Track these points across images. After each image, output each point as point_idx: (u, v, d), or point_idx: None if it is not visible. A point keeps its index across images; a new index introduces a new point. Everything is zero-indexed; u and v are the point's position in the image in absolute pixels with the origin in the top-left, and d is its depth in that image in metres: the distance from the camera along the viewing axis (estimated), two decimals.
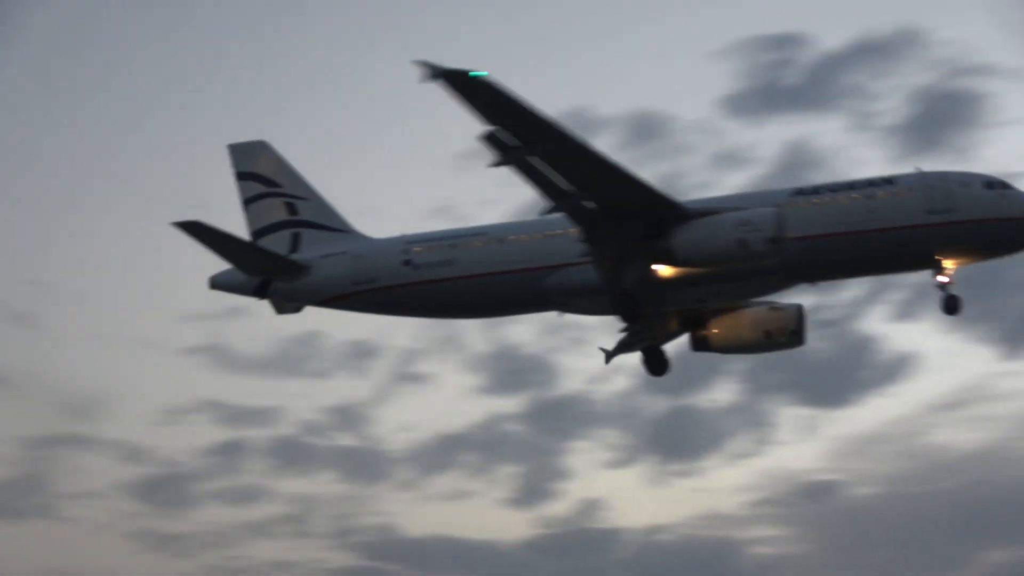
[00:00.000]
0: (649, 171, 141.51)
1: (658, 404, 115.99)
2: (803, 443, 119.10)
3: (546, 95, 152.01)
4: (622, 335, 66.01)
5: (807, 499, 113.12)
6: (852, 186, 59.96)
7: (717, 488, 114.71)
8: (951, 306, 58.53)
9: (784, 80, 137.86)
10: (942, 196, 58.07)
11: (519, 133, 51.95)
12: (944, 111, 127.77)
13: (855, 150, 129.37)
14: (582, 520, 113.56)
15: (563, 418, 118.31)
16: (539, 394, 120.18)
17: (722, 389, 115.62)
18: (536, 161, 53.82)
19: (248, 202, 70.66)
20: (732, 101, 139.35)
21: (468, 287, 64.29)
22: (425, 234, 66.98)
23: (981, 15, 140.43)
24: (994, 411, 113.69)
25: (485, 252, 64.17)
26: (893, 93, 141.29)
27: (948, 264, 58.30)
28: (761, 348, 65.18)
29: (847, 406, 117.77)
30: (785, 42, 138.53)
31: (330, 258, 67.05)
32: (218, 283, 68.50)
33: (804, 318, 64.43)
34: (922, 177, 59.16)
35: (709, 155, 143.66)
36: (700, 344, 65.92)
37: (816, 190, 60.46)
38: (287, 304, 68.20)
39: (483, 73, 48.59)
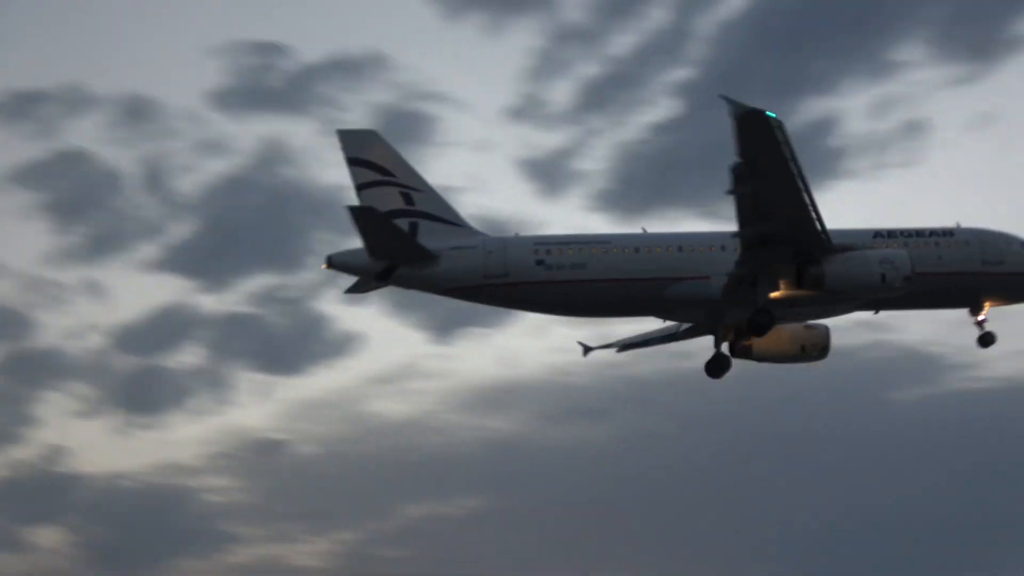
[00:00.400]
0: (136, 152, 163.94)
1: (128, 362, 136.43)
2: (258, 405, 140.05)
3: (40, 68, 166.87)
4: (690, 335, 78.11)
5: (259, 455, 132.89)
6: (919, 233, 71.51)
7: (177, 441, 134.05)
8: (987, 341, 71.87)
9: (266, 82, 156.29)
10: (994, 251, 70.82)
11: (763, 167, 58.76)
12: (401, 127, 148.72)
13: (322, 152, 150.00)
14: (47, 465, 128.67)
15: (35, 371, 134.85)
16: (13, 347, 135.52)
17: (188, 353, 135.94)
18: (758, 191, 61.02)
19: (361, 188, 73.71)
20: (218, 96, 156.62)
21: (597, 289, 71.21)
22: (555, 237, 73.72)
23: (438, 49, 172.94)
24: (422, 386, 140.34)
25: (619, 259, 71.29)
26: (359, 106, 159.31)
27: (987, 305, 71.52)
28: (794, 359, 75.01)
29: (299, 375, 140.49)
30: (270, 50, 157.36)
31: (461, 250, 71.94)
32: (336, 263, 72.34)
33: (830, 337, 74.81)
34: (976, 232, 71.68)
35: (193, 142, 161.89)
36: (743, 352, 75.84)
37: (891, 234, 71.35)
38: (374, 284, 72.93)
39: (773, 115, 56.32)
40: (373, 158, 74.31)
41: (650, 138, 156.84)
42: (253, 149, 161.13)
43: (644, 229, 73.97)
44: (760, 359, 76.01)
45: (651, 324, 78.64)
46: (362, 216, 68.22)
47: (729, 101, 56.07)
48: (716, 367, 77.53)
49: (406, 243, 71.07)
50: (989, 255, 71.17)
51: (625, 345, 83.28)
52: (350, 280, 73.58)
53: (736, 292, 68.59)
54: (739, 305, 69.62)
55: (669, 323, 78.02)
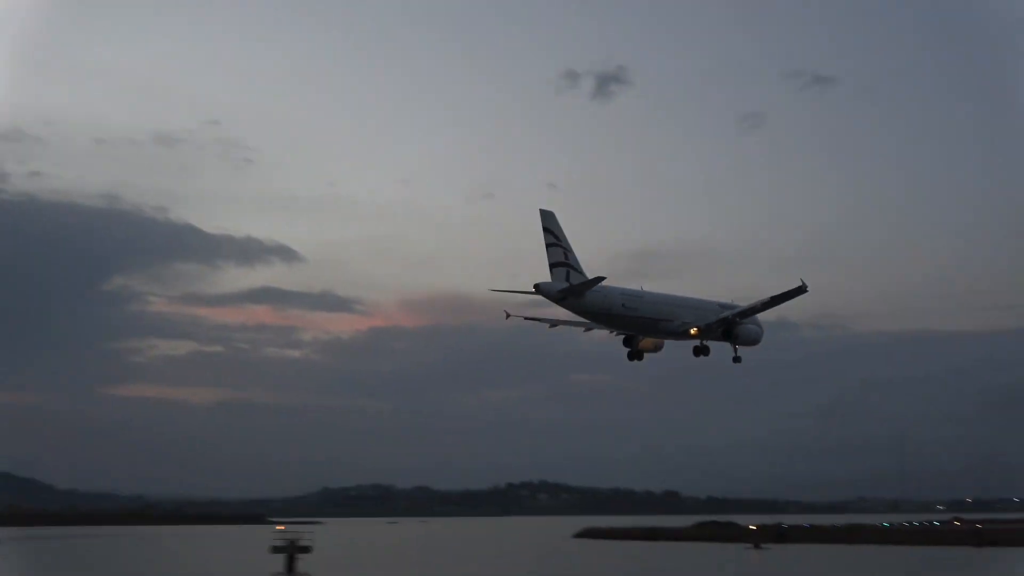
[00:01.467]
0: None
1: None
2: None
3: None
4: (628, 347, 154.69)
5: None
6: (722, 306, 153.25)
7: None
8: (702, 351, 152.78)
9: None
10: (702, 306, 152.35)
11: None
12: None
13: None
14: None
15: None
16: None
17: None
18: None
19: (548, 246, 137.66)
20: None
21: (647, 319, 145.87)
22: (628, 290, 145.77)
23: None
24: None
25: (658, 304, 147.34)
26: None
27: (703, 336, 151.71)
28: (654, 350, 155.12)
29: None
30: None
31: (597, 291, 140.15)
32: (542, 289, 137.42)
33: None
34: (717, 303, 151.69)
35: None
36: (637, 352, 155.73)
37: (722, 306, 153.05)
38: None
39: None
40: (551, 227, 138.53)
41: None
42: None
43: (642, 287, 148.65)
44: (644, 352, 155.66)
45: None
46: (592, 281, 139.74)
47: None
48: (637, 356, 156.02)
49: (586, 283, 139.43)
50: (724, 312, 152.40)
51: (555, 323, 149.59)
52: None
53: (691, 335, 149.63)
54: (683, 338, 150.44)
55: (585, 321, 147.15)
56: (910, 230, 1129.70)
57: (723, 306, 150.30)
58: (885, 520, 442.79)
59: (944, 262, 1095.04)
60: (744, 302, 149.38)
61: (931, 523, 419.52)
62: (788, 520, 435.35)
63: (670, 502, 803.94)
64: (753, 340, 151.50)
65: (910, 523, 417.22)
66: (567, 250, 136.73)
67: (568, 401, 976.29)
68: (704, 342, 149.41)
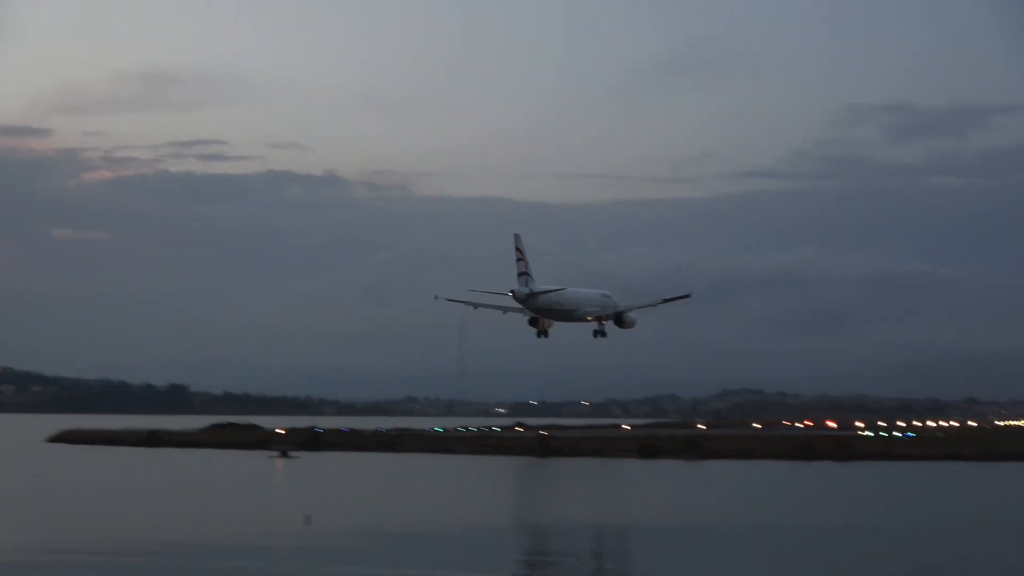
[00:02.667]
0: None
1: None
2: None
3: None
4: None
5: None
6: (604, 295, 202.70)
7: None
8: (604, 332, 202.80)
9: None
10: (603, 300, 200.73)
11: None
12: None
13: None
14: None
15: None
16: None
17: None
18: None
19: (517, 261, 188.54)
20: None
21: (567, 311, 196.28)
22: (556, 289, 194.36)
23: None
24: None
25: (576, 299, 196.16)
26: None
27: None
28: (550, 327, 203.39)
29: None
30: None
31: (542, 294, 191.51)
32: (517, 293, 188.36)
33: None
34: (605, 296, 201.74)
35: None
36: (544, 330, 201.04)
37: (603, 295, 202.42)
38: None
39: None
40: (519, 245, 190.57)
41: None
42: None
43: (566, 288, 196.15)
44: (547, 331, 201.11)
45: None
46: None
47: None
48: (544, 335, 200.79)
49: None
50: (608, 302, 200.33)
51: (478, 305, 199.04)
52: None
53: (590, 320, 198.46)
54: (585, 322, 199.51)
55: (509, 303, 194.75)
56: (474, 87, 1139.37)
57: (604, 295, 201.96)
58: (438, 424, 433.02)
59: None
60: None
61: (491, 428, 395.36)
62: (323, 423, 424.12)
63: (176, 399, 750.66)
64: (632, 325, 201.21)
65: (467, 428, 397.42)
66: (527, 263, 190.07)
67: (45, 264, 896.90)
68: (601, 327, 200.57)
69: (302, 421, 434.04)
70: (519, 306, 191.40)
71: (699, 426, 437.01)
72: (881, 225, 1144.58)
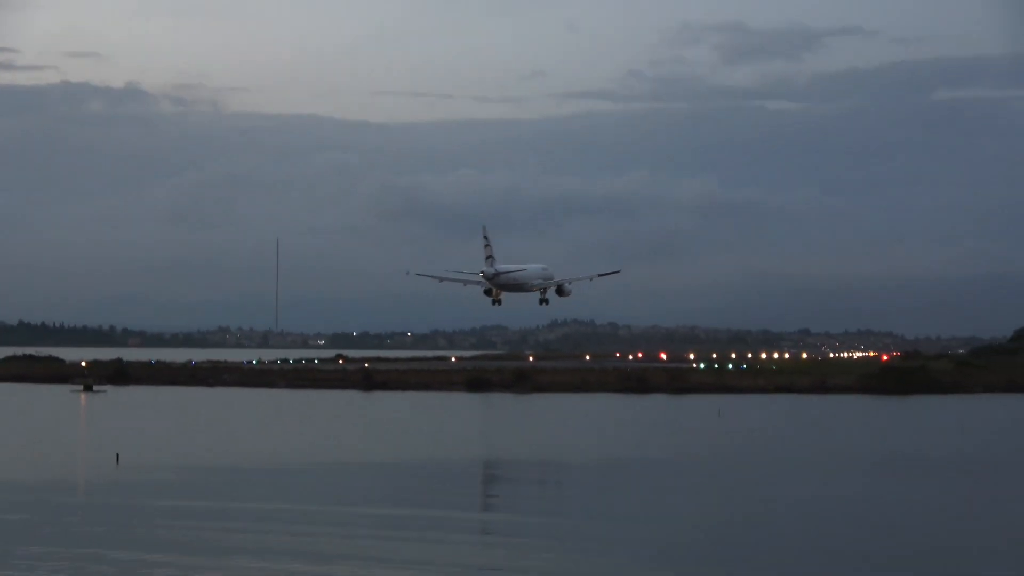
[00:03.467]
0: None
1: None
2: None
3: None
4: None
5: None
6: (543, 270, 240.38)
7: None
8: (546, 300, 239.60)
9: None
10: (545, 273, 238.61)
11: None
12: None
13: None
14: None
15: None
16: None
17: None
18: None
19: (484, 247, 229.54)
20: None
21: (521, 285, 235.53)
22: (512, 268, 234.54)
23: None
24: None
25: (527, 276, 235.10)
26: None
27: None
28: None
29: None
30: None
31: (504, 274, 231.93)
32: (486, 274, 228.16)
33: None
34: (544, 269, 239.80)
35: None
36: (497, 299, 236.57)
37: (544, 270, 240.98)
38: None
39: None
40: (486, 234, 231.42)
41: None
42: None
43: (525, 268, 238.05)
44: (499, 299, 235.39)
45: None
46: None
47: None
48: (497, 302, 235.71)
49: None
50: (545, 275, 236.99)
51: (444, 279, 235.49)
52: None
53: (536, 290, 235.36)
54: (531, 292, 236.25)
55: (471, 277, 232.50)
56: None
57: (545, 269, 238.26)
58: (253, 356, 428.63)
59: None
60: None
61: (311, 361, 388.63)
62: (128, 355, 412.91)
63: None
64: (569, 294, 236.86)
65: (286, 360, 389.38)
66: (492, 248, 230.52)
67: None
68: (544, 295, 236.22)
69: (106, 353, 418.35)
70: (484, 282, 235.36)
71: (529, 358, 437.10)
72: (714, 150, 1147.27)
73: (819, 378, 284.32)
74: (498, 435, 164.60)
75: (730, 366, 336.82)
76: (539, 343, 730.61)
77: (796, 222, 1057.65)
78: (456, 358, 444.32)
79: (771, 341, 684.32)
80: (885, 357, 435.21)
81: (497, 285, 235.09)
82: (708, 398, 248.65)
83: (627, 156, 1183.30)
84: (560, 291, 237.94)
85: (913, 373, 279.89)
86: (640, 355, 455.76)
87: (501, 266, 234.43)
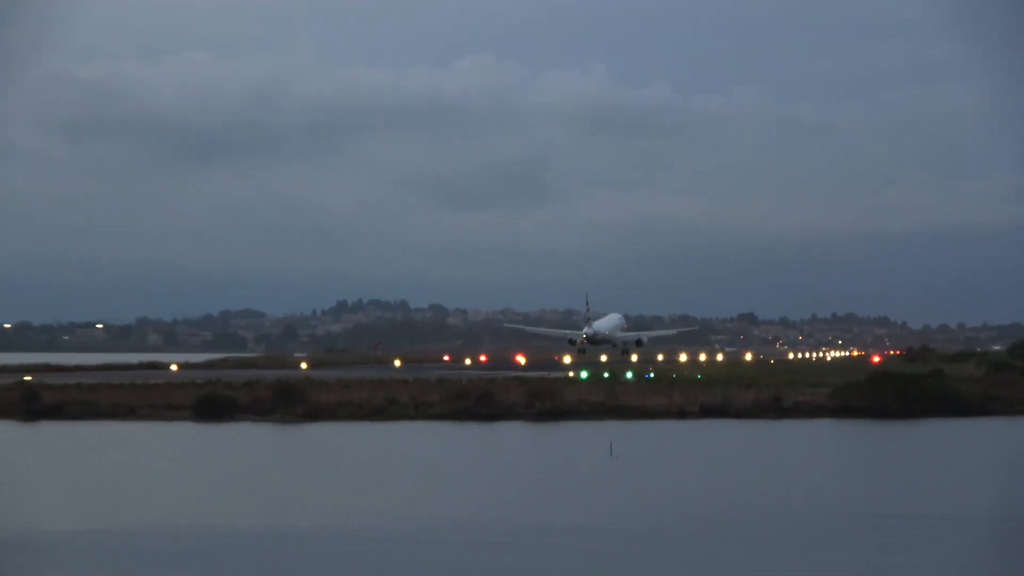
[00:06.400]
0: None
1: None
2: None
3: None
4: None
5: None
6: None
7: None
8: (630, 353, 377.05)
9: None
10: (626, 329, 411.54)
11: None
12: None
13: None
14: None
15: None
16: None
17: None
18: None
19: (586, 309, 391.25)
20: None
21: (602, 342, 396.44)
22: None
23: None
24: None
25: (621, 334, 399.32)
26: None
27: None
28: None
29: None
30: None
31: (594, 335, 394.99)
32: (588, 336, 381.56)
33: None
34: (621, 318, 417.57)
35: None
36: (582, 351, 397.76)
37: (626, 317, 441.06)
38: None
39: None
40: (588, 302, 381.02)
41: None
42: None
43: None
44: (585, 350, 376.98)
45: None
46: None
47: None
48: (583, 352, 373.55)
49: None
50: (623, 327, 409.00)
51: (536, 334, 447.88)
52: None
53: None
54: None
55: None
56: None
57: (623, 321, 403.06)
58: None
59: None
60: None
61: None
62: None
63: None
64: (645, 345, 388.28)
65: None
66: (591, 312, 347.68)
67: None
68: (625, 348, 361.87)
69: None
70: (580, 339, 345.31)
71: (300, 365, 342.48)
72: None
73: (769, 393, 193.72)
74: (235, 505, 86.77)
75: (629, 375, 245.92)
76: (316, 339, 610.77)
77: None
78: (179, 366, 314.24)
79: (698, 336, 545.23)
80: (877, 357, 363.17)
81: (592, 343, 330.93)
82: (590, 426, 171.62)
83: None
84: (639, 344, 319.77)
85: (921, 383, 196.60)
86: (484, 358, 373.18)
87: (597, 323, 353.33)
